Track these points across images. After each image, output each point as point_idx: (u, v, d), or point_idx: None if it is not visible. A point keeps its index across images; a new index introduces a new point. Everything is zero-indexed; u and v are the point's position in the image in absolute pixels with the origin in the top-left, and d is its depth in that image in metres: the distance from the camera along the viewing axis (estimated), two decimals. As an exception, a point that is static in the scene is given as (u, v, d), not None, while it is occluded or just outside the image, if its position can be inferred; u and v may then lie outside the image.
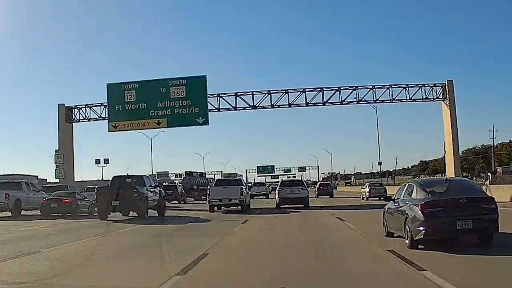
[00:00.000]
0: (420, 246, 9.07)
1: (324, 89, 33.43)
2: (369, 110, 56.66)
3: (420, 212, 8.93)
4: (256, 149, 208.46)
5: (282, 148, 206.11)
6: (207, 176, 69.89)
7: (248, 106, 33.36)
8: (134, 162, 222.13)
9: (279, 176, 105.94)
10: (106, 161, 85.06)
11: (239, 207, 23.73)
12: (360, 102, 33.74)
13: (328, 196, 43.76)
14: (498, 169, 75.81)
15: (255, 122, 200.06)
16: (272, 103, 33.12)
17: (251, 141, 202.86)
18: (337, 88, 33.53)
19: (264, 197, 48.87)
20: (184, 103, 31.64)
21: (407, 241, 9.41)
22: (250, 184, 54.90)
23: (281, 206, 25.99)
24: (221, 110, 33.37)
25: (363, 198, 37.59)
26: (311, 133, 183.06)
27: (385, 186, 40.97)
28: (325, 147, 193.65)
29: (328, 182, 65.77)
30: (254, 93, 33.44)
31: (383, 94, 33.50)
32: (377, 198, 33.76)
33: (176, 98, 31.63)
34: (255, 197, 44.94)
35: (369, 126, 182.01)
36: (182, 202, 40.78)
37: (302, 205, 25.91)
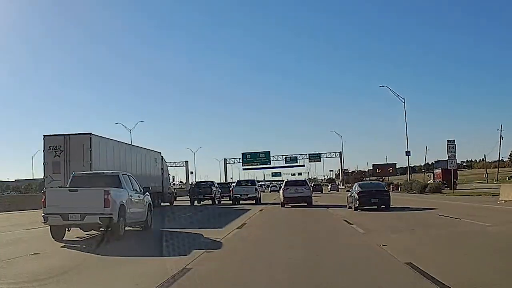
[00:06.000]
0: (358, 210, 21.86)
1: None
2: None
3: (356, 195, 22.13)
4: (244, 128, 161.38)
5: (283, 126, 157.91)
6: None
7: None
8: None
9: (281, 173, 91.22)
10: None
11: (109, 229, 12.34)
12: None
13: (319, 192, 62.37)
14: None
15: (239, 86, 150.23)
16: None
17: (235, 117, 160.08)
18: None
19: (254, 202, 33.92)
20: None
21: (353, 208, 22.30)
22: (232, 184, 41.07)
23: (285, 205, 27.42)
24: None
25: (329, 191, 72.55)
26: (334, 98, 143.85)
27: (338, 185, 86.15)
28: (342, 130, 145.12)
29: (319, 183, 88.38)
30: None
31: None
32: (335, 191, 73.03)
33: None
34: (240, 202, 33.34)
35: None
36: None
37: (306, 204, 27.68)
